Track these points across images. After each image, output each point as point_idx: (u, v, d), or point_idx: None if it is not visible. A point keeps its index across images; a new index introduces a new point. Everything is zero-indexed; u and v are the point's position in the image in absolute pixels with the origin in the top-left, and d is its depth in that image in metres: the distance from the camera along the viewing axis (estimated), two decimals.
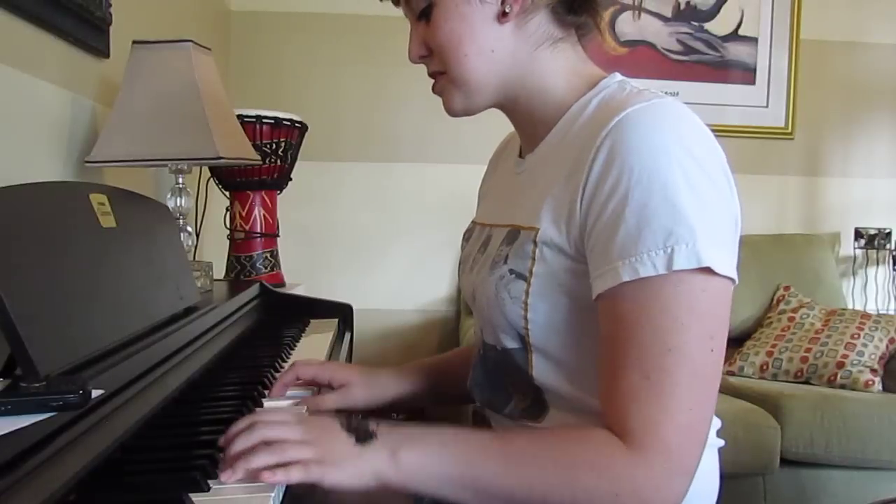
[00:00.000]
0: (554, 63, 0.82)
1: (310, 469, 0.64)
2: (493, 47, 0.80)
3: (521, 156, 0.90)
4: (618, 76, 0.82)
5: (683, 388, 0.67)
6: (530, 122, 0.86)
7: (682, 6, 2.81)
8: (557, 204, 0.76)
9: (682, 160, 0.69)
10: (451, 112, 0.86)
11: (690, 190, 0.68)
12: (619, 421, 0.68)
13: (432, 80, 0.86)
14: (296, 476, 0.63)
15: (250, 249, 1.85)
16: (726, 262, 0.69)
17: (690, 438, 0.68)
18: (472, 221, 1.00)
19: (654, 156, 0.69)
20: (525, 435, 0.77)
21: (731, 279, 0.70)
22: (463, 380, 0.97)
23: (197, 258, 1.70)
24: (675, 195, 0.68)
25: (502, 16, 0.79)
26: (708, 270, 0.67)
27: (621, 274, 0.68)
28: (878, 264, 2.90)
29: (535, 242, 0.77)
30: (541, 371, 0.80)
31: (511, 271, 0.79)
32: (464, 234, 1.00)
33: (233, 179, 1.84)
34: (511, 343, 0.82)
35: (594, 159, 0.72)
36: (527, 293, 0.77)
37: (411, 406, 1.03)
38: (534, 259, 0.77)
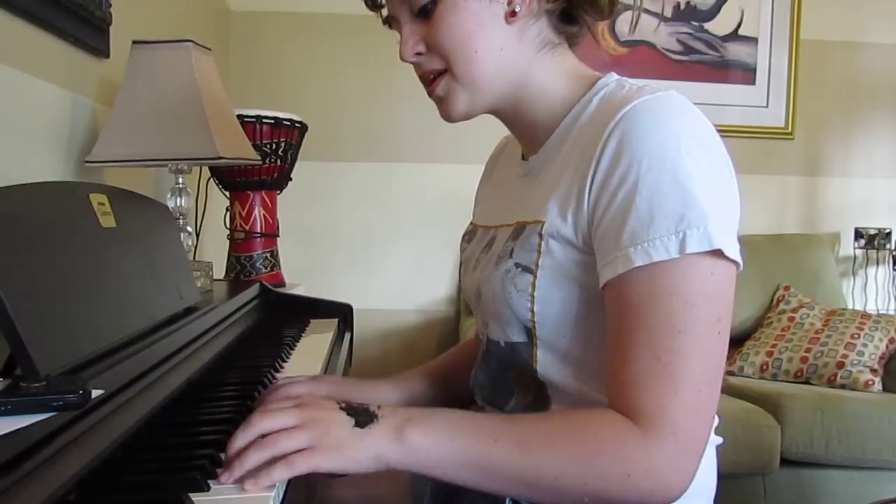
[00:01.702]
0: (554, 66, 0.83)
1: (294, 463, 0.62)
2: (501, 46, 0.80)
3: (523, 158, 0.90)
4: (614, 75, 0.83)
5: (693, 368, 0.68)
6: (531, 125, 0.86)
7: (682, 6, 2.81)
8: (564, 196, 0.77)
9: (690, 148, 0.70)
10: (452, 115, 0.84)
11: (700, 175, 0.69)
12: (629, 402, 0.69)
13: (427, 84, 0.84)
14: (279, 475, 0.61)
15: (250, 249, 1.85)
16: (734, 246, 0.70)
17: (699, 419, 0.69)
18: (472, 223, 1.00)
19: (663, 145, 0.70)
20: (534, 416, 0.77)
21: (737, 263, 0.71)
22: (463, 383, 0.97)
23: (197, 258, 1.70)
24: (685, 181, 0.69)
25: (511, 15, 0.79)
26: (717, 253, 0.68)
27: (633, 259, 0.69)
28: (878, 264, 2.90)
29: (540, 235, 0.78)
30: (545, 365, 0.81)
31: (517, 265, 0.79)
32: (463, 236, 0.99)
33: (233, 179, 1.84)
34: (516, 337, 0.82)
35: (602, 150, 0.73)
36: (533, 286, 0.78)
37: None
38: (539, 252, 0.78)
